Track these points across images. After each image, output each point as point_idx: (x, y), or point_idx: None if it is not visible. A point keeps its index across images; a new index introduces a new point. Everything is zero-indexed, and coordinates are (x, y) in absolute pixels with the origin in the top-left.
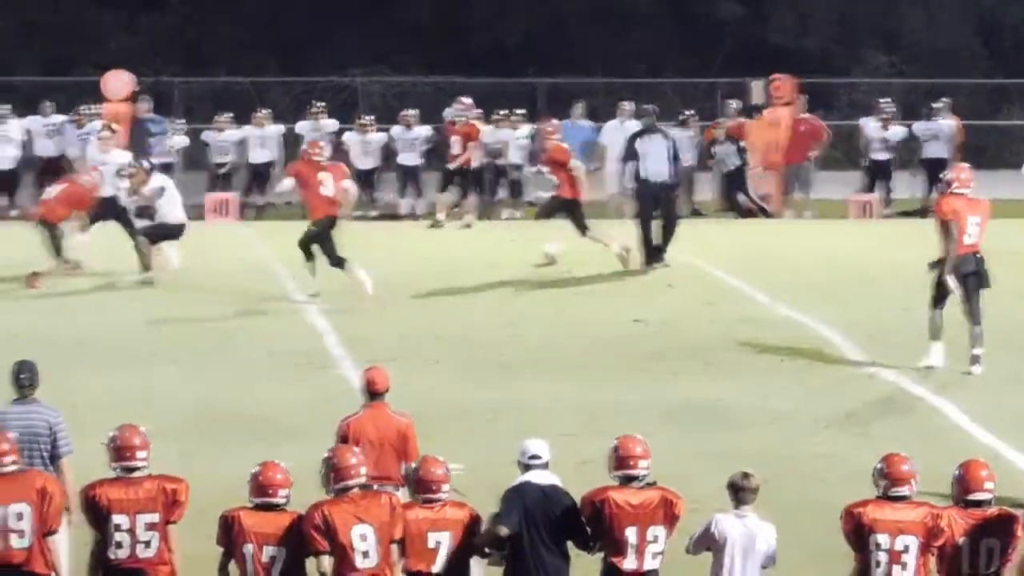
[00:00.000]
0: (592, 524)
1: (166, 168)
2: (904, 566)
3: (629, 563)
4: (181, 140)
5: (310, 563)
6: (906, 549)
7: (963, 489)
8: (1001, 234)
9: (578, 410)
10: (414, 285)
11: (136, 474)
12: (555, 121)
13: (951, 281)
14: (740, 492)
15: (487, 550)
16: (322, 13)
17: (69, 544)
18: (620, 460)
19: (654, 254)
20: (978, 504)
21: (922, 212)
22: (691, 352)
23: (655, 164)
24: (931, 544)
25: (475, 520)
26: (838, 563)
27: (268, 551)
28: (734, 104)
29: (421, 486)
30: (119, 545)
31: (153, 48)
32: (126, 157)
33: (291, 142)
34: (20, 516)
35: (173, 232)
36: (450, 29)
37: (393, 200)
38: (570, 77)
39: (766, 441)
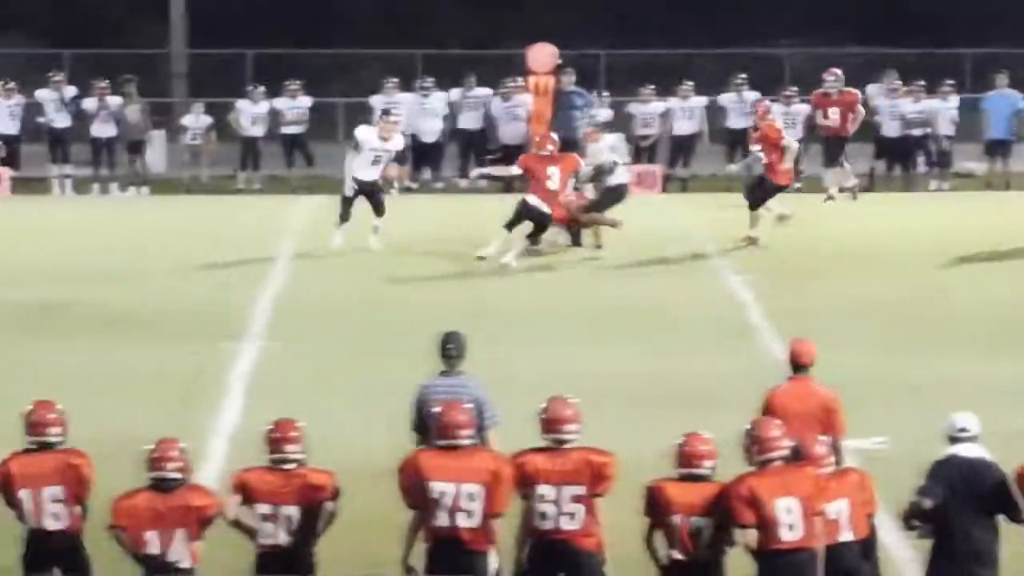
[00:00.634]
0: None
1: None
2: None
3: None
4: (606, 113)
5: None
6: None
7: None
8: None
9: (1006, 384)
10: (835, 258)
11: (565, 446)
12: (767, 102)
13: None
14: None
15: (913, 523)
16: None
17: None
18: None
19: None
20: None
21: None
22: None
23: None
24: None
25: None
26: None
27: (695, 522)
28: None
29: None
30: (544, 516)
31: (579, 20)
32: (401, 143)
33: (714, 112)
34: (472, 497)
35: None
36: None
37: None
38: (998, 47)
39: None
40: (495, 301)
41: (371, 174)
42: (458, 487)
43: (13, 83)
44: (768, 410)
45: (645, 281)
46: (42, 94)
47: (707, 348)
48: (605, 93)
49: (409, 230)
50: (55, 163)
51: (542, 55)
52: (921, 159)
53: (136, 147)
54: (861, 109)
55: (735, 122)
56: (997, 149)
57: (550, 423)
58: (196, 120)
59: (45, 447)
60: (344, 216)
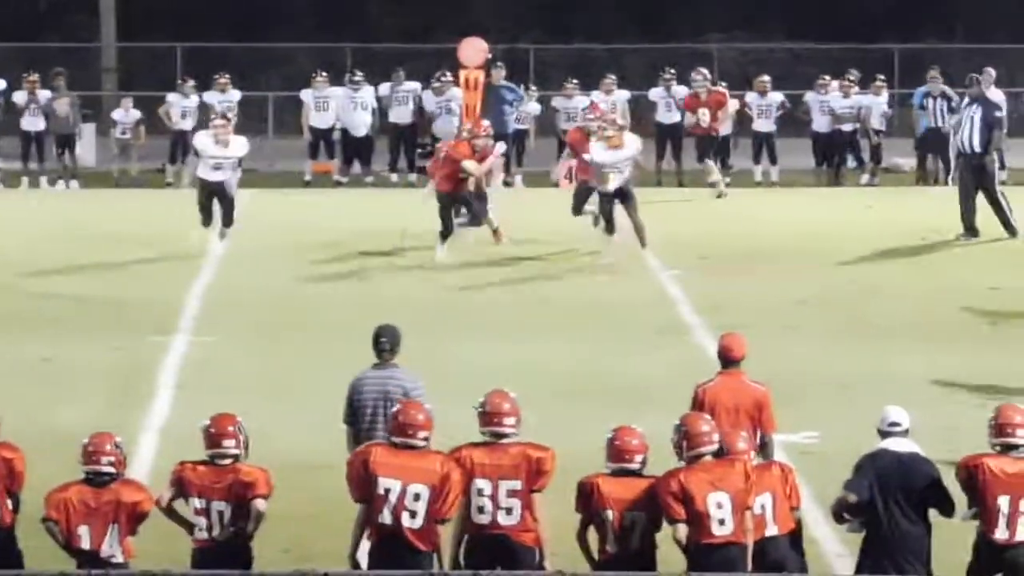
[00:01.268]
0: (965, 490)
1: (520, 135)
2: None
3: (1000, 533)
4: (534, 107)
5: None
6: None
7: None
8: None
9: (939, 378)
10: (764, 251)
11: (504, 440)
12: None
13: None
14: None
15: (844, 516)
16: None
17: None
18: (999, 428)
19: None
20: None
21: None
22: None
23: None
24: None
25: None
26: None
27: (628, 516)
28: None
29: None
30: (481, 510)
31: (510, 15)
32: (243, 148)
33: (642, 107)
34: (417, 497)
35: None
36: None
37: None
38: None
39: None
40: (426, 295)
41: (216, 176)
42: (405, 486)
43: None
44: (699, 405)
45: (575, 277)
46: None
47: (638, 344)
48: (534, 88)
49: (340, 225)
50: None
51: (472, 50)
52: (850, 155)
53: (65, 141)
54: (729, 108)
55: (664, 117)
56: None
57: (489, 416)
58: (126, 114)
59: None
60: (204, 222)
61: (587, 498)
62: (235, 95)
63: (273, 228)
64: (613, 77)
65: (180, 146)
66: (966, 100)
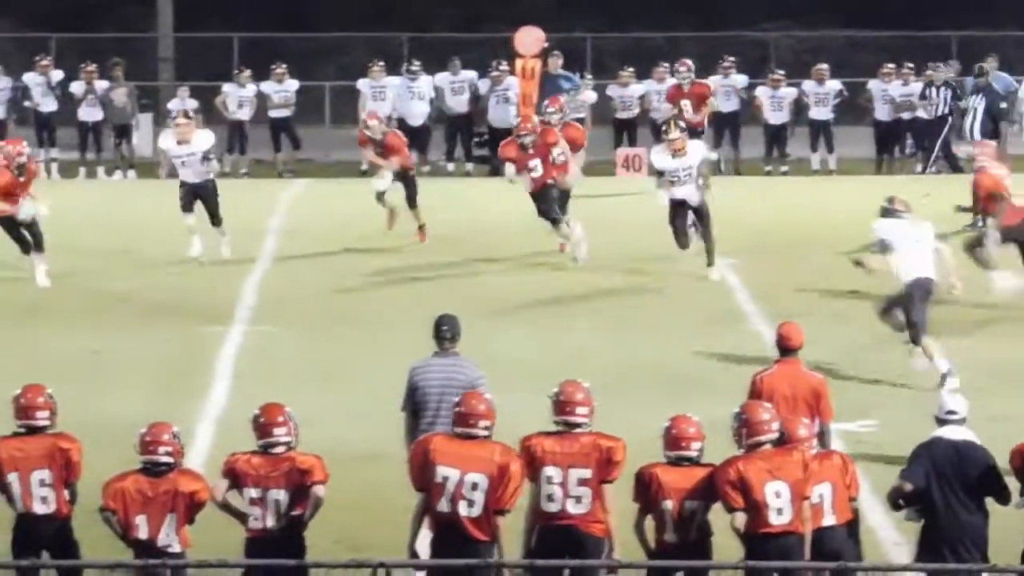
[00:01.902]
0: (1019, 477)
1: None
2: None
3: None
4: (591, 96)
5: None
6: None
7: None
8: None
9: (995, 366)
10: (821, 239)
11: (575, 430)
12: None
13: None
14: None
15: (900, 504)
16: None
17: None
18: None
19: None
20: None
21: None
22: None
23: None
24: None
25: None
26: None
27: (686, 505)
28: None
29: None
30: (550, 498)
31: (566, 3)
32: (207, 142)
33: None
34: (475, 486)
35: None
36: None
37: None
38: (985, 30)
39: None
40: (486, 287)
41: (191, 176)
42: (463, 475)
43: (0, 67)
44: (756, 394)
45: (634, 266)
46: (29, 78)
47: (695, 332)
48: (589, 76)
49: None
50: (42, 147)
51: (529, 38)
52: (909, 142)
53: (122, 131)
54: (713, 101)
55: (723, 105)
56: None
57: (562, 405)
58: (182, 104)
59: (34, 431)
60: (189, 229)
61: (645, 487)
62: (292, 85)
63: (329, 217)
64: (667, 65)
65: (237, 136)
66: (971, 88)
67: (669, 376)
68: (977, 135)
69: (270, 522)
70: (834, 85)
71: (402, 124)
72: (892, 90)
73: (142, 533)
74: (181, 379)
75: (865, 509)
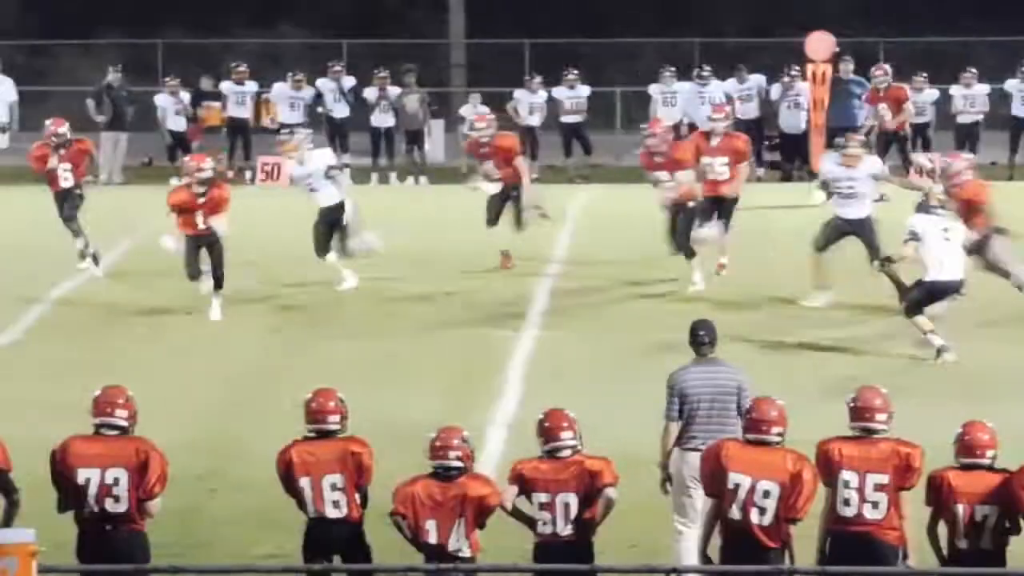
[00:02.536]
0: None
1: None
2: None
3: None
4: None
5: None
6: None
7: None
8: None
9: None
10: None
11: (874, 436)
12: None
13: None
14: None
15: None
16: None
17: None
18: None
19: None
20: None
21: None
22: None
23: None
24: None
25: None
26: None
27: (980, 510)
28: None
29: None
30: (847, 503)
31: (857, 7)
32: (325, 160)
33: (995, 100)
34: (767, 494)
35: None
36: None
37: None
38: None
39: None
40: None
41: (328, 199)
42: (755, 482)
43: (302, 75)
44: None
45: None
46: (322, 84)
47: (990, 335)
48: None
49: None
50: (333, 153)
51: (820, 43)
52: None
53: (414, 137)
54: (909, 106)
55: (1020, 110)
56: None
57: (860, 412)
58: (474, 110)
59: (325, 435)
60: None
61: (937, 491)
62: (584, 90)
63: (619, 222)
64: (973, 71)
65: (529, 142)
66: None
67: (963, 379)
68: None
69: (560, 527)
70: None
71: (692, 129)
72: None
73: (432, 538)
74: (472, 383)
75: None
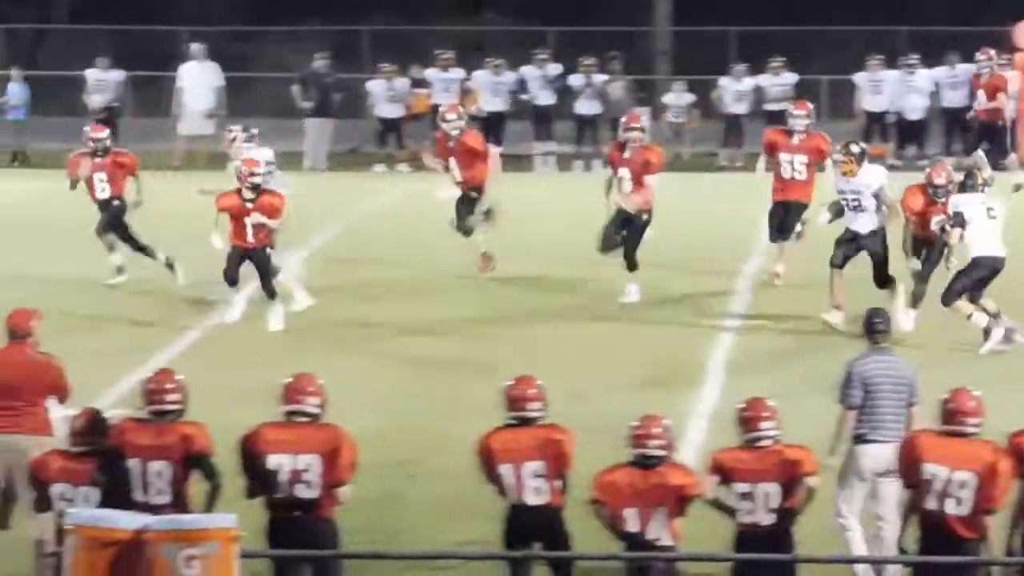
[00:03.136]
0: None
1: None
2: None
3: None
4: None
5: None
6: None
7: None
8: None
9: None
10: None
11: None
12: None
13: None
14: None
15: None
16: None
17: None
18: None
19: None
20: None
21: None
22: None
23: None
24: None
25: None
26: None
27: None
28: None
29: None
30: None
31: None
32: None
33: None
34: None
35: None
36: None
37: None
38: None
39: None
40: None
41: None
42: (951, 473)
43: (501, 60)
44: None
45: None
46: (527, 71)
47: None
48: None
49: None
50: (539, 140)
51: None
52: None
53: (618, 124)
54: (1009, 92)
55: None
56: None
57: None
58: (678, 98)
59: (525, 422)
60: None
61: None
62: (789, 78)
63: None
64: None
65: (733, 130)
66: None
67: None
68: None
69: (761, 516)
70: None
71: (900, 118)
72: None
73: (632, 526)
74: (676, 373)
75: None
